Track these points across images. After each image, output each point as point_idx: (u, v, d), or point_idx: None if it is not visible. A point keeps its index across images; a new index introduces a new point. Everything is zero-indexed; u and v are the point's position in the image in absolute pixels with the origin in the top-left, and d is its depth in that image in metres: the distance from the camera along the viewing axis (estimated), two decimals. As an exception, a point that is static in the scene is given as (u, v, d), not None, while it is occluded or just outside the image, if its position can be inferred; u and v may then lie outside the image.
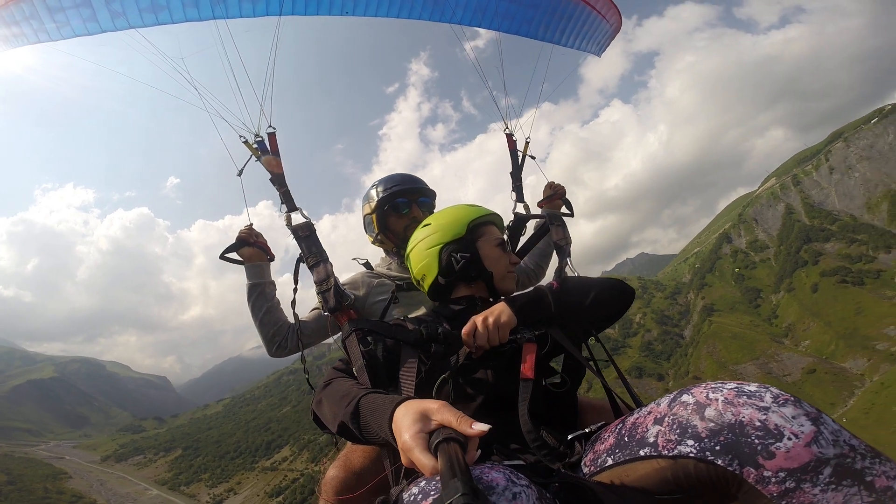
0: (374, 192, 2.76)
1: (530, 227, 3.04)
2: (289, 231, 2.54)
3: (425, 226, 2.05)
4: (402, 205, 2.70)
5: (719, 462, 0.96)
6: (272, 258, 2.58)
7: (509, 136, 3.38)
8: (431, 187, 2.83)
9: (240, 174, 2.58)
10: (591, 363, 1.78)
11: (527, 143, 3.39)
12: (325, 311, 2.36)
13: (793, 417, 0.93)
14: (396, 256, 2.77)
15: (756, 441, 0.93)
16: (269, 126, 2.62)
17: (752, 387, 1.02)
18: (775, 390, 1.00)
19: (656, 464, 1.06)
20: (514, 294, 1.77)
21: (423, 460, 0.90)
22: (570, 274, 2.51)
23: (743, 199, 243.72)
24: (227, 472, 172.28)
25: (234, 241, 2.56)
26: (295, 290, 2.47)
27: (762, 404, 0.97)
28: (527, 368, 1.51)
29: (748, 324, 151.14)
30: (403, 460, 0.97)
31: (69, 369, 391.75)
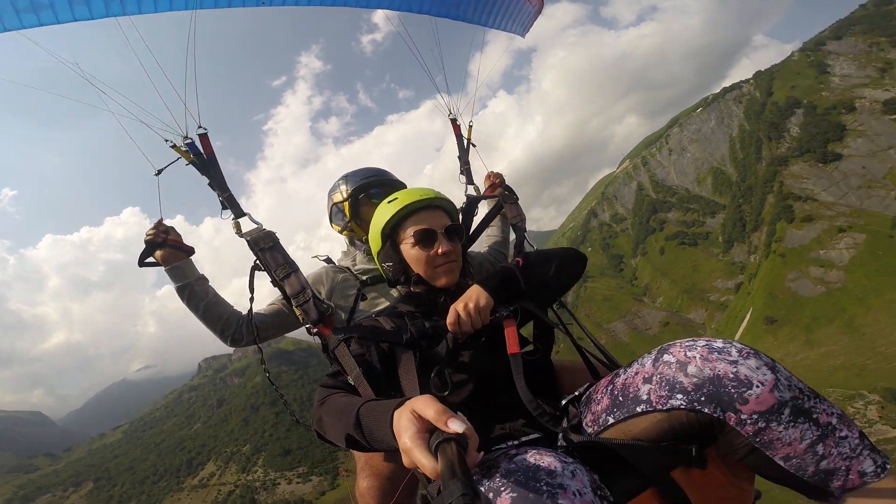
0: (345, 183, 2.76)
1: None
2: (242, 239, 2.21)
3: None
4: (376, 194, 2.70)
5: (706, 410, 1.13)
6: (191, 252, 2.40)
7: (454, 122, 3.38)
8: (402, 180, 2.84)
9: (158, 174, 2.38)
10: (562, 326, 1.90)
11: (470, 127, 3.39)
12: (306, 324, 2.06)
13: (756, 368, 1.11)
14: (365, 244, 2.71)
15: (732, 390, 1.10)
16: (199, 127, 2.33)
17: (719, 343, 1.20)
18: (738, 345, 1.18)
19: (654, 417, 1.21)
20: (485, 276, 1.81)
21: (424, 461, 0.90)
22: (528, 248, 2.47)
23: (606, 178, 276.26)
24: (153, 497, 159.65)
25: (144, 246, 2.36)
26: (252, 300, 2.23)
27: (731, 358, 1.14)
28: (512, 344, 1.60)
29: (615, 286, 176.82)
30: (405, 462, 0.96)
31: None
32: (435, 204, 1.93)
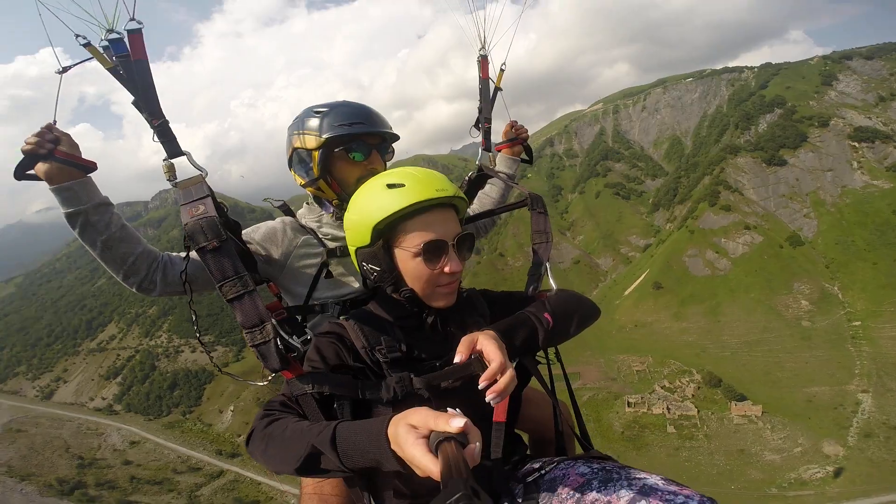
0: (316, 122, 1.99)
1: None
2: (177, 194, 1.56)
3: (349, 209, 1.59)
4: (357, 149, 2.00)
5: None
6: (90, 168, 1.68)
7: (483, 59, 2.58)
8: (395, 131, 2.12)
9: (62, 72, 1.69)
10: (548, 382, 1.67)
11: (501, 71, 2.66)
12: (265, 368, 1.43)
13: None
14: (338, 209, 2.10)
15: None
16: (132, 19, 1.56)
17: (682, 498, 1.18)
18: (699, 498, 1.17)
19: None
20: (510, 328, 1.48)
21: (432, 468, 0.89)
22: (549, 286, 1.85)
23: (574, 114, 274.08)
24: (46, 361, 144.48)
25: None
26: (187, 258, 1.59)
27: None
28: (500, 412, 1.47)
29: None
30: (419, 472, 0.95)
31: None
32: (449, 203, 1.52)
